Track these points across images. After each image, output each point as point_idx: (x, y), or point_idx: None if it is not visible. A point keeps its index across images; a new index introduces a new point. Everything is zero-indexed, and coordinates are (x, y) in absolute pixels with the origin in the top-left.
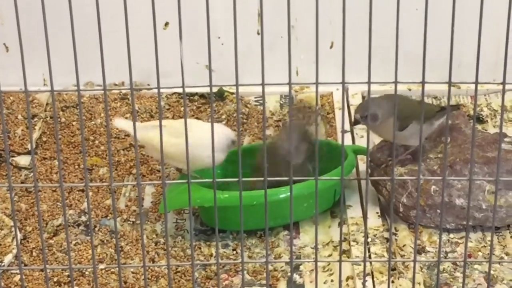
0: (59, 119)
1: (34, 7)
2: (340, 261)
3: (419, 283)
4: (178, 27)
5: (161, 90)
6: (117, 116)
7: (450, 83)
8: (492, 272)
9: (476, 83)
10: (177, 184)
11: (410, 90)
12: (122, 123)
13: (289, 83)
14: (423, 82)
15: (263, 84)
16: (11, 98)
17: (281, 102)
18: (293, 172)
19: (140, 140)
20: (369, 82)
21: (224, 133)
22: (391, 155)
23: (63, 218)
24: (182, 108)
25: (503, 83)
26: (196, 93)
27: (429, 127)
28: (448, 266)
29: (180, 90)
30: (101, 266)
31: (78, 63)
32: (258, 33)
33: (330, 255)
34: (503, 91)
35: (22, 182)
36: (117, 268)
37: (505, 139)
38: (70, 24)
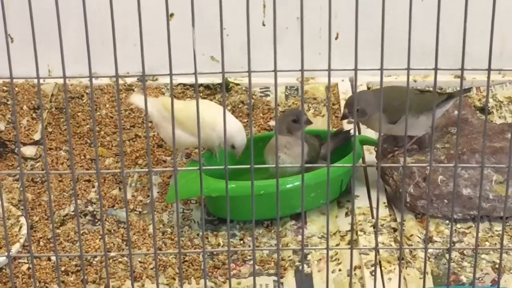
0: (64, 110)
1: None
2: (351, 248)
3: (427, 273)
4: (191, 14)
5: (166, 81)
6: (135, 94)
7: (462, 69)
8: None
9: (489, 70)
10: (184, 174)
11: (415, 81)
12: (137, 99)
13: (302, 70)
14: (435, 69)
15: (275, 71)
16: (16, 89)
17: (286, 93)
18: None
19: (153, 110)
20: (381, 69)
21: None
22: (397, 145)
23: (69, 208)
24: (187, 99)
25: None
26: (201, 84)
27: (430, 117)
28: (456, 256)
29: (185, 81)
30: (112, 253)
31: (83, 54)
32: (263, 24)
33: (337, 245)
34: None
35: None
36: (125, 258)
37: None
38: (83, 14)
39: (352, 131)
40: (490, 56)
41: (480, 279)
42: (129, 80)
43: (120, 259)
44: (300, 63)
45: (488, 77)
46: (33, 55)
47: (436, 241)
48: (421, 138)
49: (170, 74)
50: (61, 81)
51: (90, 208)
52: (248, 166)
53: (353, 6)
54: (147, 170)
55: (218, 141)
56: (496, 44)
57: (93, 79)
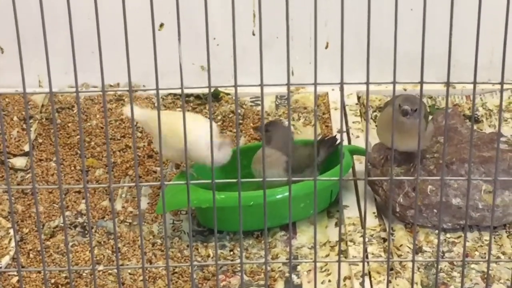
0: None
1: (27, 8)
2: (339, 261)
3: (417, 283)
4: (177, 28)
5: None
6: (126, 106)
7: (448, 83)
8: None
9: (475, 83)
10: (173, 185)
11: (405, 90)
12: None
13: (288, 84)
14: (421, 82)
15: (261, 85)
16: (6, 99)
17: (277, 103)
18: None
19: (142, 119)
20: (367, 83)
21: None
22: (413, 161)
23: (59, 219)
24: (178, 109)
25: (501, 82)
26: (192, 94)
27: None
28: (445, 266)
29: (175, 91)
30: (100, 267)
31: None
32: (253, 34)
33: (327, 255)
34: (502, 91)
35: (18, 184)
36: (115, 270)
37: (501, 139)
38: (69, 27)
39: (337, 137)
40: (476, 70)
41: None
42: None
43: (110, 271)
44: (290, 73)
45: (474, 91)
46: (24, 65)
47: (426, 251)
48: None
49: (157, 89)
50: (53, 90)
51: (80, 220)
52: (236, 179)
53: (344, 15)
54: (134, 184)
55: (198, 154)
56: (485, 54)
57: (84, 88)
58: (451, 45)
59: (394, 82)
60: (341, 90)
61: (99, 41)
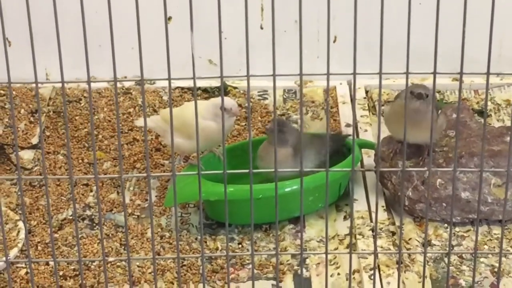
0: (62, 114)
1: (34, 1)
2: (350, 252)
3: (426, 277)
4: (189, 19)
5: (164, 84)
6: (138, 118)
7: (461, 74)
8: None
9: (488, 73)
10: (182, 177)
11: (412, 84)
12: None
13: (300, 74)
14: (434, 73)
15: (274, 75)
16: (14, 92)
17: (285, 97)
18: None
19: (153, 125)
20: (380, 73)
21: (211, 101)
22: (422, 154)
23: (67, 212)
24: (185, 102)
25: None
26: (199, 88)
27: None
28: (454, 260)
29: (183, 85)
30: (110, 258)
31: (81, 57)
32: (261, 28)
33: (336, 249)
34: None
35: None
36: (123, 262)
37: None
38: (82, 19)
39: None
40: (489, 60)
41: (479, 282)
42: (127, 84)
43: (118, 264)
44: (298, 66)
45: (487, 82)
46: (30, 58)
47: (434, 245)
48: (426, 146)
49: (169, 79)
50: (59, 85)
51: (88, 212)
52: (247, 170)
53: (351, 9)
54: (145, 174)
55: (210, 129)
56: (494, 47)
57: (91, 82)
58: (465, 35)
59: (407, 73)
60: (353, 80)
61: (111, 32)
